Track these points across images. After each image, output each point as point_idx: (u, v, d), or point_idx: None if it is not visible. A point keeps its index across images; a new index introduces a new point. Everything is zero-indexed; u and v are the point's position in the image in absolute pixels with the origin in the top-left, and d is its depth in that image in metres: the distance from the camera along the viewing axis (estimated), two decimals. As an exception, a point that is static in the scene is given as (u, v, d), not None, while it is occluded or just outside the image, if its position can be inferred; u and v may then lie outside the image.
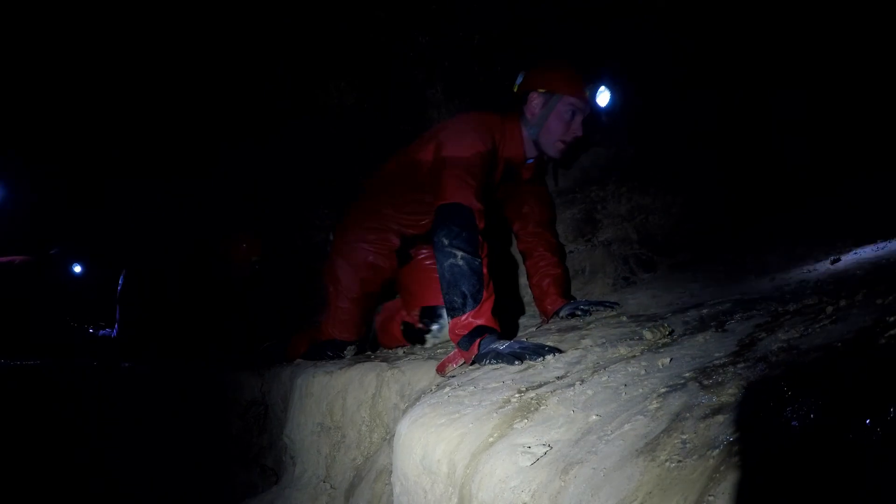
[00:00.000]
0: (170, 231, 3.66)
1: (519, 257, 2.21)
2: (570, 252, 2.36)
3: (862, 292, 1.07)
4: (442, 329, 2.08)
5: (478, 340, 1.45)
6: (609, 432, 0.82)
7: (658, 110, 2.32)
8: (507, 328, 1.73)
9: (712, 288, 1.76)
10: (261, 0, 2.76)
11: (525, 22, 2.43)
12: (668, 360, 1.06)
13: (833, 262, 1.61)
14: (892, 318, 0.82)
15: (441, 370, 1.52)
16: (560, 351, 1.33)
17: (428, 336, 2.11)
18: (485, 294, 1.55)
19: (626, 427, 0.82)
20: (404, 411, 1.27)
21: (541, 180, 2.20)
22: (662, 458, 0.70)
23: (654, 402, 0.86)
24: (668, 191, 2.33)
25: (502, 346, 1.40)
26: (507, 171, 2.00)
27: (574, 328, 1.57)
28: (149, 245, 3.58)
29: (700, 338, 1.17)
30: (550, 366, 1.24)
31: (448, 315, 1.57)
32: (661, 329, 1.30)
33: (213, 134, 3.29)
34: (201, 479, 2.38)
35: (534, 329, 1.85)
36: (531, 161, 2.04)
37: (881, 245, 1.65)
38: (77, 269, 3.80)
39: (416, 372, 1.61)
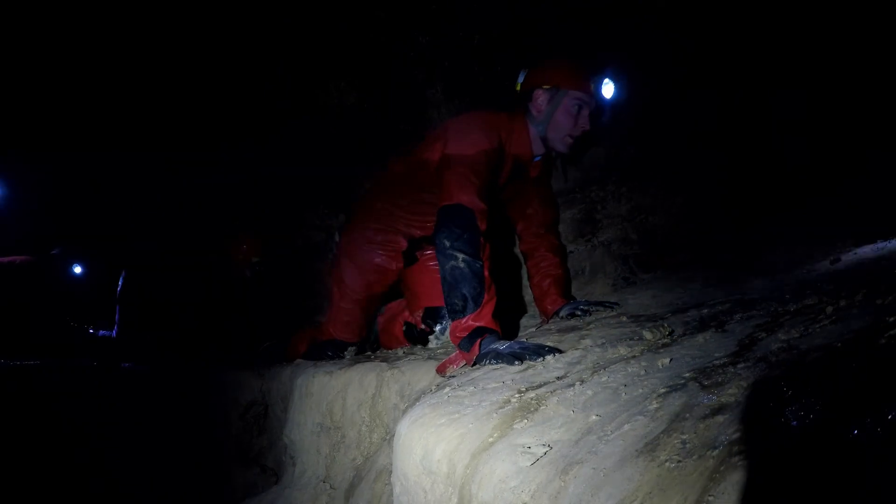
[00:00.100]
0: (170, 231, 3.66)
1: (521, 256, 2.21)
2: (570, 252, 2.36)
3: (862, 292, 1.07)
4: (444, 330, 2.08)
5: (478, 341, 1.45)
6: (609, 432, 0.82)
7: (658, 110, 2.32)
8: (508, 329, 1.73)
9: (712, 288, 1.76)
10: (261, 0, 2.76)
11: (525, 22, 2.43)
12: (668, 360, 1.06)
13: (833, 262, 1.61)
14: (892, 318, 0.82)
15: (441, 371, 1.52)
16: (560, 351, 1.33)
17: (431, 337, 2.11)
18: (486, 297, 1.55)
19: (626, 427, 0.81)
20: (404, 411, 1.27)
21: (547, 180, 2.19)
22: (662, 458, 0.70)
23: (654, 402, 0.86)
24: (668, 191, 2.33)
25: (502, 346, 1.40)
26: (514, 170, 1.99)
27: (574, 328, 1.57)
28: (149, 245, 3.58)
29: (700, 338, 1.17)
30: (550, 366, 1.24)
31: (449, 317, 1.57)
32: (661, 329, 1.30)
33: (213, 134, 3.29)
34: (201, 479, 2.38)
35: (534, 329, 1.85)
36: (538, 158, 2.03)
37: (881, 245, 1.65)
38: (77, 269, 3.80)
39: (416, 372, 1.61)
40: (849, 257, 1.62)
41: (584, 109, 1.92)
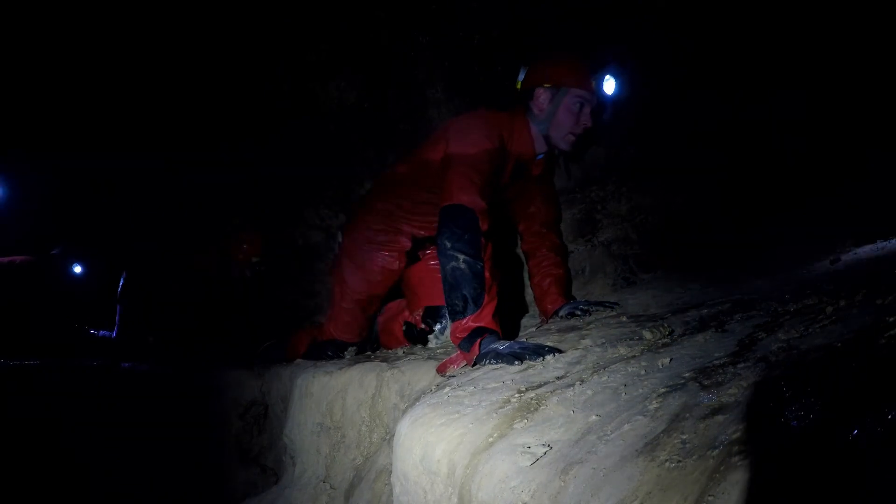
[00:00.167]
0: (170, 231, 3.66)
1: (523, 256, 2.21)
2: (571, 252, 2.36)
3: (862, 292, 1.07)
4: (444, 329, 2.08)
5: (478, 341, 1.46)
6: (609, 432, 0.82)
7: (658, 110, 2.32)
8: (509, 329, 1.73)
9: (712, 288, 1.76)
10: (261, 0, 2.76)
11: (525, 22, 2.43)
12: (668, 360, 1.06)
13: (833, 262, 1.61)
14: (891, 318, 0.82)
15: (441, 371, 1.52)
16: (560, 351, 1.33)
17: (430, 337, 2.11)
18: (486, 298, 1.55)
19: (626, 427, 0.81)
20: (404, 411, 1.27)
21: (549, 179, 2.19)
22: (662, 458, 0.70)
23: (654, 402, 0.86)
24: (668, 191, 2.33)
25: (502, 346, 1.40)
26: (517, 169, 1.98)
27: (574, 328, 1.57)
28: (149, 245, 3.58)
29: (700, 338, 1.17)
30: (550, 366, 1.24)
31: (450, 318, 1.57)
32: (661, 329, 1.30)
33: (213, 134, 3.28)
34: (201, 479, 2.38)
35: (534, 329, 1.85)
36: (541, 157, 2.03)
37: (881, 245, 1.65)
38: (77, 269, 3.80)
39: (416, 372, 1.61)
40: (849, 257, 1.62)
41: (586, 107, 1.91)
